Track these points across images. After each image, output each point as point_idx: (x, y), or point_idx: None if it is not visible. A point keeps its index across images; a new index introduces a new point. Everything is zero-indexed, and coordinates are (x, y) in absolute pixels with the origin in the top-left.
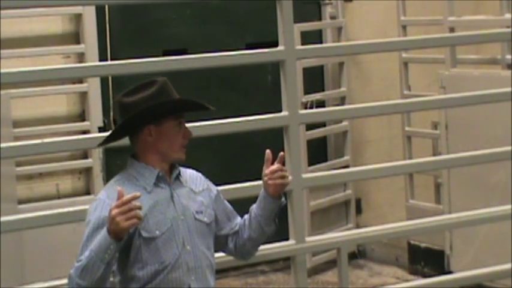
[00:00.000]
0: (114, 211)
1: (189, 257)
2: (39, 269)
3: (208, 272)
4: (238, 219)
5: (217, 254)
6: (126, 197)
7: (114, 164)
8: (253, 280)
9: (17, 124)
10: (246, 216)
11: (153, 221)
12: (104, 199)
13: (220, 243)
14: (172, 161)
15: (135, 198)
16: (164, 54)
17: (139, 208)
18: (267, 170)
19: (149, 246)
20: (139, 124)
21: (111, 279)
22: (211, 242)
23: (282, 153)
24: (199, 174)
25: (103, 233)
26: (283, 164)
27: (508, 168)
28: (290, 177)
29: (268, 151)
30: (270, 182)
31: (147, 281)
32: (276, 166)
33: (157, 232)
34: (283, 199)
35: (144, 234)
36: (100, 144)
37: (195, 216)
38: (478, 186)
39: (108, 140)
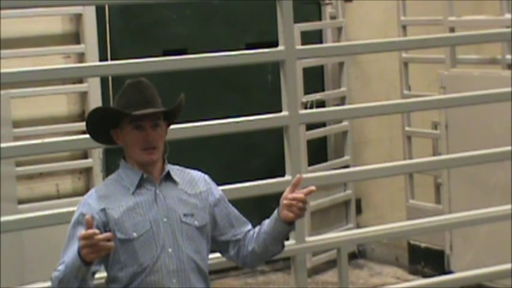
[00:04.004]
0: (81, 242)
1: (170, 259)
2: (39, 269)
3: (193, 275)
4: (247, 227)
5: (216, 254)
6: (88, 231)
7: (114, 164)
8: (253, 280)
9: (17, 124)
10: (256, 229)
11: (130, 222)
12: (86, 198)
13: (221, 248)
14: (141, 163)
15: (96, 234)
16: (164, 54)
17: (109, 239)
18: (289, 194)
19: (126, 248)
20: (103, 129)
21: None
22: (202, 245)
23: (313, 187)
24: (204, 176)
25: (75, 252)
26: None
27: (508, 168)
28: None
29: (299, 176)
30: (285, 205)
31: (127, 283)
32: (301, 196)
33: (134, 234)
34: (294, 225)
35: (120, 235)
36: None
37: (181, 218)
38: (478, 186)
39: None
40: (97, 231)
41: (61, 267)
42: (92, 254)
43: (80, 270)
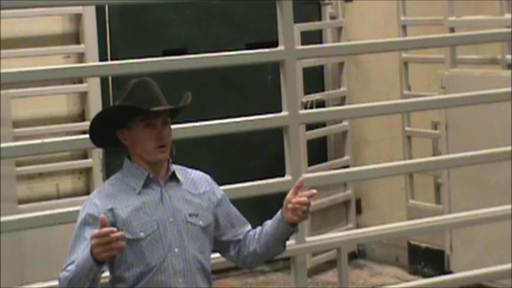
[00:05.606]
0: (94, 241)
1: (177, 259)
2: (39, 269)
3: (198, 275)
4: (247, 228)
5: (216, 254)
6: (104, 229)
7: (114, 164)
8: (253, 280)
9: (17, 124)
10: (258, 229)
11: (138, 222)
12: (92, 198)
13: (221, 248)
14: (152, 163)
15: (113, 231)
16: (164, 54)
17: (121, 238)
18: (294, 198)
19: (133, 248)
20: (108, 129)
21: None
22: (206, 245)
23: (314, 190)
24: (206, 176)
25: (87, 251)
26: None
27: (508, 168)
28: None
29: (302, 178)
30: (290, 208)
31: (134, 283)
32: (305, 199)
33: (141, 234)
34: (297, 226)
35: (127, 235)
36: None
37: (187, 219)
38: (478, 186)
39: (99, 146)
40: (114, 228)
41: (71, 268)
42: (104, 253)
43: (91, 270)
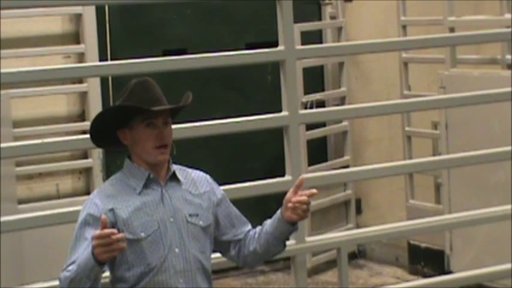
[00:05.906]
0: (95, 241)
1: (177, 259)
2: (39, 269)
3: (199, 275)
4: (247, 227)
5: (217, 254)
6: (105, 231)
7: (114, 164)
8: (253, 280)
9: (17, 124)
10: (258, 229)
11: (138, 222)
12: (92, 198)
13: (222, 248)
14: (151, 164)
15: (113, 233)
16: (164, 54)
17: (121, 240)
18: (293, 198)
19: (134, 248)
20: (109, 129)
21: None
22: (206, 245)
23: (314, 190)
24: (206, 176)
25: (88, 251)
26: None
27: (508, 168)
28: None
29: (302, 178)
30: (290, 208)
31: (135, 283)
32: (305, 198)
33: (142, 234)
34: (297, 225)
35: (128, 235)
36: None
37: (187, 219)
38: (478, 186)
39: (101, 146)
40: (115, 230)
41: (72, 267)
42: (105, 253)
43: (93, 271)
